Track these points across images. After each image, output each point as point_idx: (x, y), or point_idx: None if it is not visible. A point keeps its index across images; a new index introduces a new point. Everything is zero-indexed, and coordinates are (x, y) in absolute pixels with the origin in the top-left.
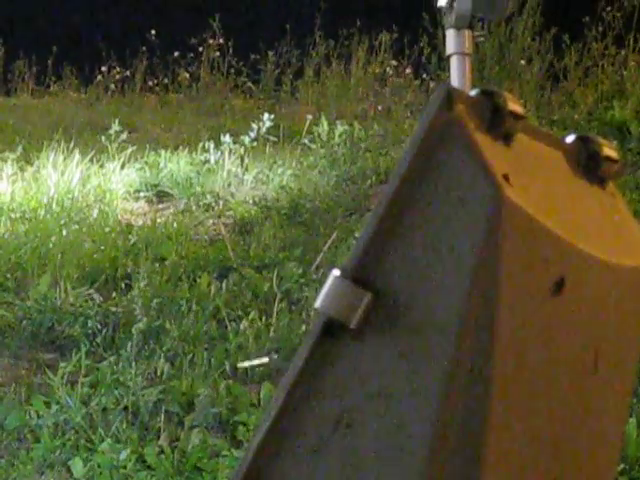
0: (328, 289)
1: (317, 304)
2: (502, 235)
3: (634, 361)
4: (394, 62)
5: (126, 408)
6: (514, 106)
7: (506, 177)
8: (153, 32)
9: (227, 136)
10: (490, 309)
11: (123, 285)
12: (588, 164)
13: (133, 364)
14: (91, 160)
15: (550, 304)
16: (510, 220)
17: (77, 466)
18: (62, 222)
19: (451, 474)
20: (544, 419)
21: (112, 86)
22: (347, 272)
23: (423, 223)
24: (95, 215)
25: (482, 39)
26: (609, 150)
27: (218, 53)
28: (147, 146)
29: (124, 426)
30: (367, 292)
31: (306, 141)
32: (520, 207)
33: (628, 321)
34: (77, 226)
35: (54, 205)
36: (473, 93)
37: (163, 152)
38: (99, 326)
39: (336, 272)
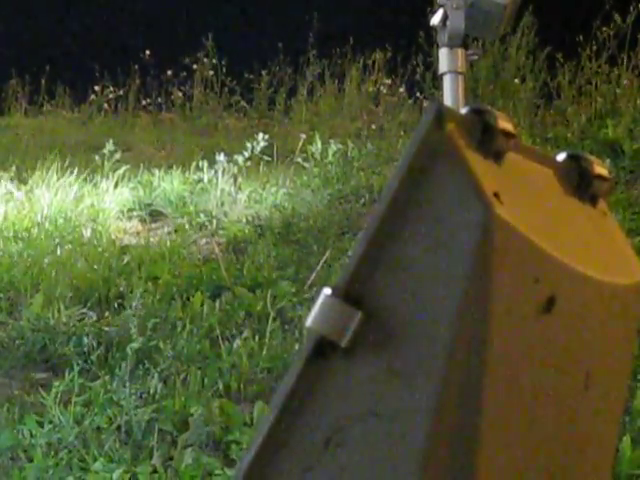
0: (319, 308)
1: (308, 323)
2: (493, 253)
3: (625, 379)
4: (388, 81)
5: (119, 427)
6: (505, 124)
7: (497, 195)
8: (147, 52)
9: (221, 155)
10: (481, 327)
11: (116, 304)
12: (579, 182)
13: (126, 383)
14: (84, 179)
15: (541, 322)
16: (501, 238)
17: None
18: (55, 241)
19: None
20: (535, 436)
21: (105, 105)
22: (338, 291)
23: (413, 241)
24: (88, 234)
25: (475, 57)
26: (600, 168)
27: (212, 72)
28: (140, 165)
29: (117, 445)
30: (358, 311)
31: (300, 160)
32: (511, 225)
33: (619, 339)
34: (70, 245)
35: (47, 224)
36: (464, 111)
37: (156, 171)
38: (92, 345)
39: (327, 291)
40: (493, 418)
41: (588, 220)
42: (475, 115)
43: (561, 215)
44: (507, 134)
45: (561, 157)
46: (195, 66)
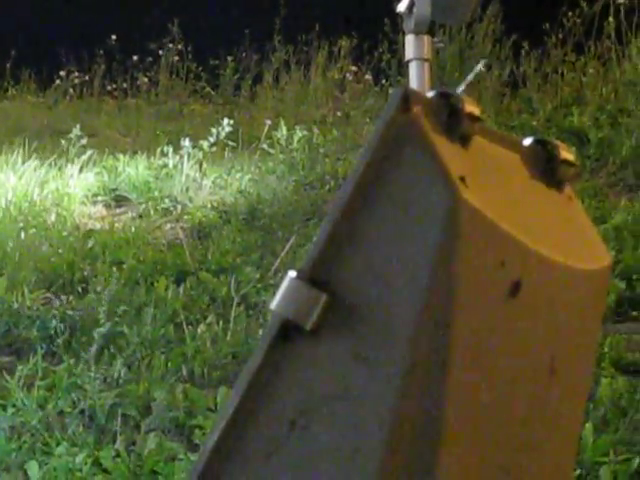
0: (284, 291)
1: (273, 306)
2: (458, 237)
3: (590, 364)
4: (353, 68)
5: (83, 411)
6: (471, 108)
7: (463, 179)
8: (113, 37)
9: (186, 141)
10: (446, 311)
11: (80, 289)
12: (545, 167)
13: (90, 368)
14: (49, 164)
15: (506, 306)
16: (466, 222)
17: (33, 469)
18: (20, 226)
19: (406, 474)
20: (500, 421)
21: (71, 90)
22: (303, 274)
23: (379, 224)
24: (53, 219)
25: (442, 45)
26: (566, 153)
27: (177, 58)
28: (105, 150)
29: (80, 429)
30: (323, 293)
31: (265, 146)
32: (477, 209)
33: (584, 324)
34: (35, 230)
35: (12, 209)
36: (430, 95)
37: (121, 156)
38: (56, 330)
39: (292, 273)
40: (458, 401)
41: (554, 205)
42: (441, 99)
43: (527, 199)
44: (473, 118)
45: (528, 142)
46: (161, 52)
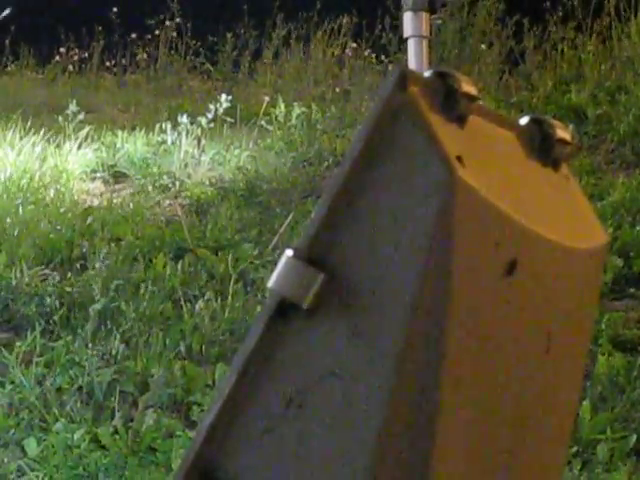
0: (281, 269)
1: (270, 284)
2: (455, 217)
3: (586, 344)
4: (353, 44)
5: (80, 388)
6: (468, 87)
7: (459, 158)
8: (112, 13)
9: (184, 117)
10: (443, 290)
11: (79, 265)
12: (542, 146)
13: (88, 344)
14: (48, 140)
15: (502, 286)
16: (463, 202)
17: (31, 445)
18: (18, 202)
19: (403, 452)
20: (497, 399)
21: (70, 67)
22: (300, 252)
23: (376, 204)
24: (51, 195)
25: (440, 22)
26: (563, 132)
27: (176, 34)
28: (104, 126)
29: (78, 406)
30: (320, 272)
31: (263, 122)
32: (473, 189)
33: (580, 303)
34: (33, 206)
35: (10, 185)
36: (427, 74)
37: (120, 132)
38: (55, 306)
39: (289, 252)
40: (455, 380)
41: (550, 184)
42: (438, 78)
43: (523, 179)
44: (470, 97)
45: (524, 121)
46: (159, 28)
